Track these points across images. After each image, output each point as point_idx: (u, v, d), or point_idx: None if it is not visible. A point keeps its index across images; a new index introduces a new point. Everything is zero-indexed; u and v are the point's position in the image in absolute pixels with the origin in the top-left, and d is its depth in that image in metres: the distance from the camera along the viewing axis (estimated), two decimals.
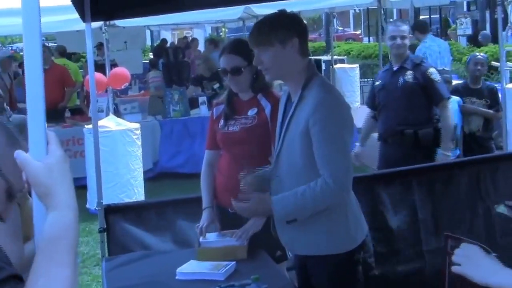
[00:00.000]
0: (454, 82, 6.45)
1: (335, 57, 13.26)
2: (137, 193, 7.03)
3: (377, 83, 5.28)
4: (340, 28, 33.63)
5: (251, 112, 3.35)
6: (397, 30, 5.07)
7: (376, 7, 10.09)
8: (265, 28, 2.79)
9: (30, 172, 1.20)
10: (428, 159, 4.90)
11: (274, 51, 2.74)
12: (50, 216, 1.18)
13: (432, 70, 5.04)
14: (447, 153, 4.95)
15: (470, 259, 1.68)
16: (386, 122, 5.13)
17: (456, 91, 6.15)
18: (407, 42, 5.08)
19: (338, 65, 12.71)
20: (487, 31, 18.87)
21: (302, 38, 2.78)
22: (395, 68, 5.11)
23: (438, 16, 26.37)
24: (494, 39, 15.53)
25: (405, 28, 5.16)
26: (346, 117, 2.76)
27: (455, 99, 5.92)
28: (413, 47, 10.07)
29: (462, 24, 18.24)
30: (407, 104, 4.97)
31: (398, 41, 5.00)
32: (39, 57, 1.25)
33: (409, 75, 4.99)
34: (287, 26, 2.75)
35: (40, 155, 1.22)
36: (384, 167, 4.98)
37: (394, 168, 4.57)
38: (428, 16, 23.34)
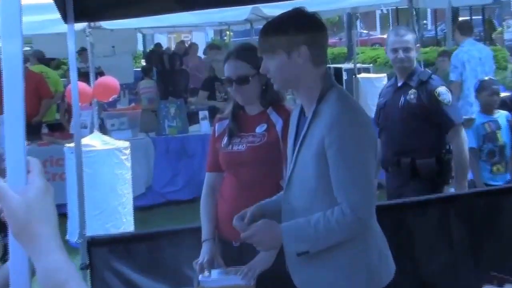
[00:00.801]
0: (502, 94, 6.42)
1: (358, 65, 13.24)
2: (125, 223, 7.05)
3: (380, 99, 5.08)
4: (365, 32, 33.77)
5: (260, 129, 3.35)
6: (399, 41, 4.77)
7: (406, 6, 10.10)
8: (270, 32, 2.79)
9: (7, 206, 1.23)
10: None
11: (278, 59, 2.74)
12: (41, 267, 1.21)
13: (441, 89, 4.71)
14: None
15: None
16: (383, 148, 4.88)
17: (504, 104, 6.14)
18: (412, 55, 4.76)
19: (363, 75, 12.69)
20: None
21: (315, 45, 2.75)
22: (399, 84, 4.87)
23: (480, 17, 26.45)
24: None
25: (410, 37, 4.79)
26: (368, 136, 2.75)
27: (503, 114, 5.92)
28: (450, 53, 10.12)
29: (510, 27, 18.28)
30: (406, 129, 4.74)
31: (401, 54, 4.73)
32: (21, 77, 1.28)
33: (411, 94, 4.72)
34: (294, 31, 2.72)
35: (19, 185, 1.25)
36: (389, 199, 4.83)
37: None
38: (469, 18, 23.35)
